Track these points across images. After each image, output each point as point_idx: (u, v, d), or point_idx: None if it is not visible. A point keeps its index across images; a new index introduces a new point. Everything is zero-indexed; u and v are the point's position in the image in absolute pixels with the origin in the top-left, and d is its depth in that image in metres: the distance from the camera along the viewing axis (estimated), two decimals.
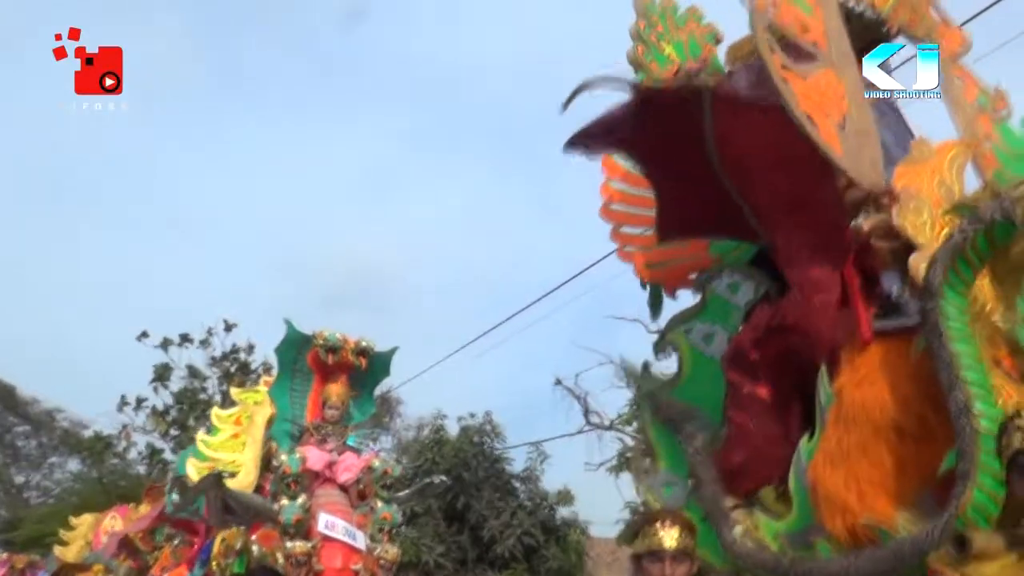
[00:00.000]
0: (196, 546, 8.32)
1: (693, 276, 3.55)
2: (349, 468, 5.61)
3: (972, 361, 2.31)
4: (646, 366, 3.72)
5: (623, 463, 14.51)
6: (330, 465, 5.59)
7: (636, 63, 3.62)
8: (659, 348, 3.60)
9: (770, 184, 2.94)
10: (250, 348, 22.02)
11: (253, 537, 5.50)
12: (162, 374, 22.98)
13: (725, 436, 3.22)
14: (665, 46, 3.58)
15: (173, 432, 21.39)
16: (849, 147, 2.73)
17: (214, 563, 6.56)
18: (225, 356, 23.08)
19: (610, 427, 15.61)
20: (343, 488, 5.58)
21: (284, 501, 5.26)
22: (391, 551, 5.32)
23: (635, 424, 13.24)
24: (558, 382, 15.73)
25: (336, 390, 5.82)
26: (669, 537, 2.46)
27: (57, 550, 15.03)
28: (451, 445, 15.10)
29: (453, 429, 15.69)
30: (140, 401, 23.91)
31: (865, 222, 2.77)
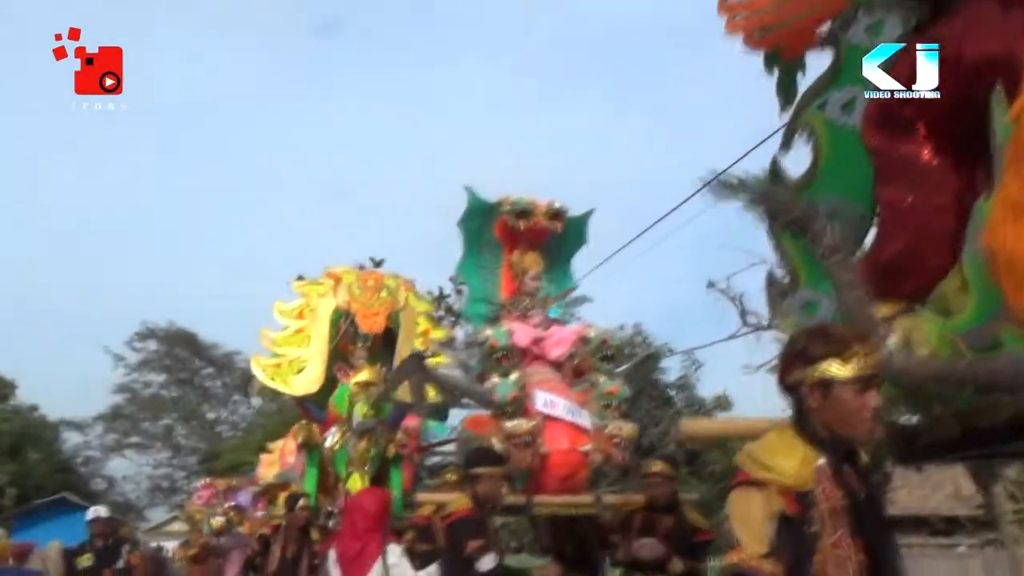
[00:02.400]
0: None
1: (821, 31, 2.77)
2: (560, 342, 4.83)
3: None
4: (773, 166, 2.98)
5: None
6: (537, 341, 4.82)
7: None
8: (790, 134, 2.88)
9: None
10: None
11: (464, 423, 4.97)
12: None
13: (876, 225, 2.56)
14: None
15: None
16: None
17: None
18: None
19: (768, 326, 14.63)
20: (555, 366, 4.82)
21: (495, 379, 4.45)
22: (626, 427, 4.48)
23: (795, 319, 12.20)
24: (711, 285, 14.82)
25: (533, 259, 4.98)
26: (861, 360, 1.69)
27: (259, 472, 16.52)
28: None
29: None
30: None
31: None
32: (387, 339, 6.18)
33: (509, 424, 4.17)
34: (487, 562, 3.71)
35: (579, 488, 4.42)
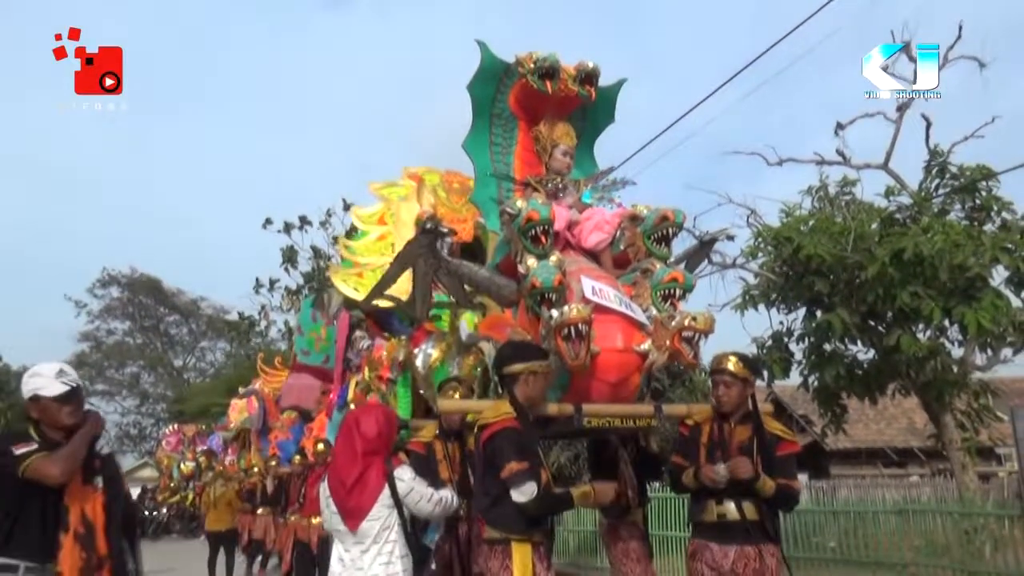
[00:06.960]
0: (333, 394, 7.60)
1: None
2: (599, 226, 3.74)
3: None
4: None
5: (748, 300, 13.20)
6: (571, 226, 3.76)
7: None
8: None
9: None
10: None
11: (475, 328, 4.03)
12: (290, 256, 23.42)
13: None
14: None
15: None
16: None
17: (368, 372, 5.33)
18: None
19: (733, 265, 14.13)
20: (591, 256, 3.76)
21: (531, 261, 3.32)
22: (701, 316, 3.28)
23: (759, 258, 11.66)
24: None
25: (564, 130, 3.86)
26: None
27: (229, 416, 15.59)
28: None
29: None
30: (273, 283, 24.71)
31: None
32: (469, 250, 5.05)
33: (555, 313, 3.05)
34: (526, 491, 2.78)
35: (631, 396, 3.40)
